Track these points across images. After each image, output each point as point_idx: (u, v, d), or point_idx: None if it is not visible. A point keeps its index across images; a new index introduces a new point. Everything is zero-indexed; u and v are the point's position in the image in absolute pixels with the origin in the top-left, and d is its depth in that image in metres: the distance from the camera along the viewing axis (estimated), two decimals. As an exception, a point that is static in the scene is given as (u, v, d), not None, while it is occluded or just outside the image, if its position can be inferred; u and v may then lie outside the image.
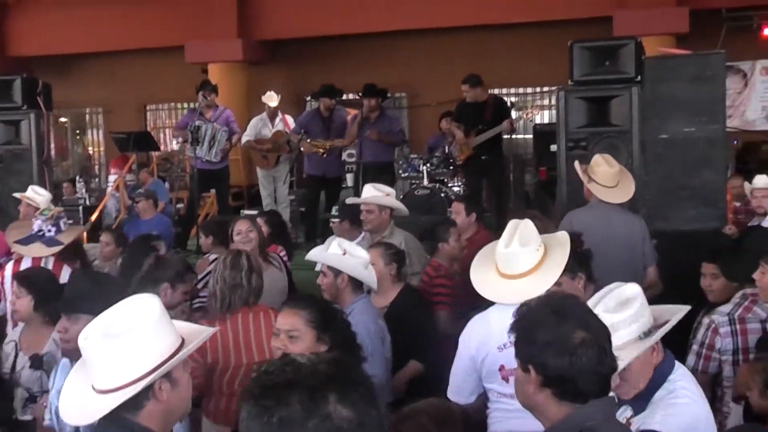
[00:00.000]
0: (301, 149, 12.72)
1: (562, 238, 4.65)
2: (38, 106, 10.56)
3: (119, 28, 18.57)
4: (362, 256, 5.63)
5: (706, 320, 5.29)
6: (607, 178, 7.07)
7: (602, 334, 2.86)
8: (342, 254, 5.58)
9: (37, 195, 8.73)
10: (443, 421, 3.19)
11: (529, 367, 2.83)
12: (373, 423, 1.85)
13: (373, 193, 7.97)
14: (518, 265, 4.42)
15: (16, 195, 9.22)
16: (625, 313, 3.36)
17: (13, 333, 5.68)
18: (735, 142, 15.48)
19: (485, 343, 4.51)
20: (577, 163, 7.39)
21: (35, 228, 6.98)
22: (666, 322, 3.52)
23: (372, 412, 1.86)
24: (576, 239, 5.37)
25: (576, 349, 2.76)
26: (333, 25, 17.26)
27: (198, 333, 3.03)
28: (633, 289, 3.46)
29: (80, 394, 2.84)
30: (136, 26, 18.42)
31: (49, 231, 6.89)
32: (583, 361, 2.76)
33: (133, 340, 2.72)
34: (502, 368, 4.45)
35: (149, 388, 2.75)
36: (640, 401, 3.41)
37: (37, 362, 5.24)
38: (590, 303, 3.29)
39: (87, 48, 19.35)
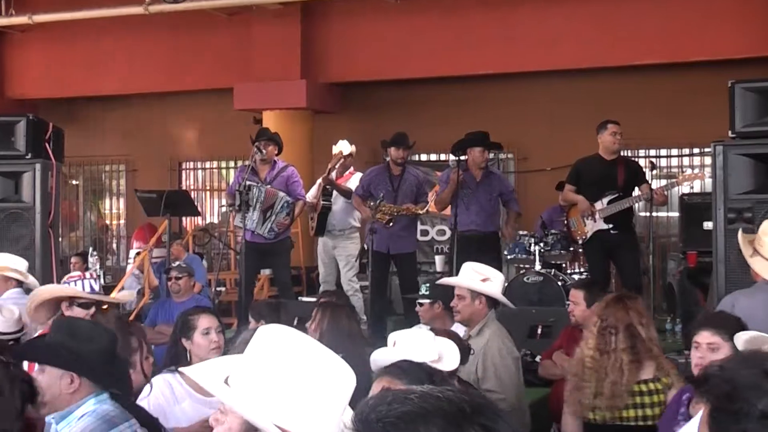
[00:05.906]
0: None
1: None
2: (46, 155, 10.53)
3: (148, 66, 18.78)
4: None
5: None
6: None
7: None
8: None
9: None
10: None
11: None
12: None
13: (470, 274, 7.97)
14: None
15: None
16: None
17: None
18: None
19: None
20: (740, 233, 7.22)
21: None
22: None
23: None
24: None
25: None
26: (417, 67, 17.14)
27: None
28: None
29: None
30: (170, 64, 18.60)
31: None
32: None
33: None
34: None
35: None
36: None
37: None
38: None
39: (106, 90, 19.60)
